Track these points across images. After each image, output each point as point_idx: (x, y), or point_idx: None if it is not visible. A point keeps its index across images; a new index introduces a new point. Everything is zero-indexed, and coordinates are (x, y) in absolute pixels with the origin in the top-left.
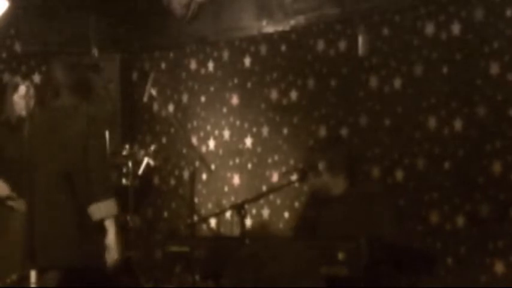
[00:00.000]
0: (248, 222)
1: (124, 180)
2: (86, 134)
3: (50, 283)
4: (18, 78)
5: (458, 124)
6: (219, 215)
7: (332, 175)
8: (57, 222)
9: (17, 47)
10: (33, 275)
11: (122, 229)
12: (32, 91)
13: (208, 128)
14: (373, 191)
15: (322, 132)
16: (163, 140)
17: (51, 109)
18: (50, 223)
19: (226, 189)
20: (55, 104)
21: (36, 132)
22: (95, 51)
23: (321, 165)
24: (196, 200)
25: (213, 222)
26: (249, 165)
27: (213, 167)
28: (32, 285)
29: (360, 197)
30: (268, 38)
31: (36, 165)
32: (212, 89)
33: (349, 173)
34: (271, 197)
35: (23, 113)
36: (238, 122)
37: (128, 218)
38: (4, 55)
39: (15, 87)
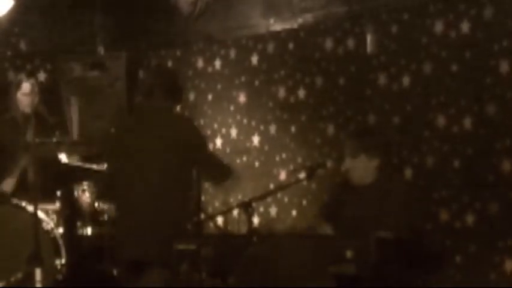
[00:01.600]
0: (255, 220)
1: None
2: None
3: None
4: (22, 76)
5: (467, 122)
6: (226, 213)
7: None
8: None
9: (22, 45)
10: (38, 273)
11: None
12: (36, 88)
13: (216, 126)
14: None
15: (330, 130)
16: None
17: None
18: None
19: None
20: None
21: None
22: (101, 50)
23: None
24: (203, 198)
25: (220, 220)
26: (256, 164)
27: None
28: (37, 284)
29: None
30: (275, 36)
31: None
32: (219, 87)
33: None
34: (279, 195)
35: (28, 110)
36: (245, 120)
37: None
38: (9, 53)
39: (19, 85)
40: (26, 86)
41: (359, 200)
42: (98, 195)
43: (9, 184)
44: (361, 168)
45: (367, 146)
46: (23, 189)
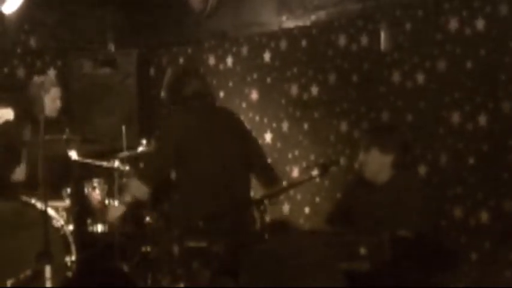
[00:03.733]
0: (268, 217)
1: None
2: None
3: None
4: (48, 78)
5: (482, 119)
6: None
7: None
8: None
9: (32, 42)
10: (47, 270)
11: (140, 225)
12: (59, 93)
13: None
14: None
15: (343, 127)
16: None
17: None
18: None
19: None
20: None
21: None
22: (112, 47)
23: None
24: None
25: None
26: (269, 161)
27: None
28: (47, 281)
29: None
30: (288, 33)
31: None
32: (231, 84)
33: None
34: (291, 192)
35: (54, 114)
36: (257, 118)
37: (145, 213)
38: (19, 50)
39: (46, 87)
40: (55, 91)
41: (374, 197)
42: (143, 176)
43: (20, 173)
44: (374, 163)
45: (380, 141)
46: (33, 186)
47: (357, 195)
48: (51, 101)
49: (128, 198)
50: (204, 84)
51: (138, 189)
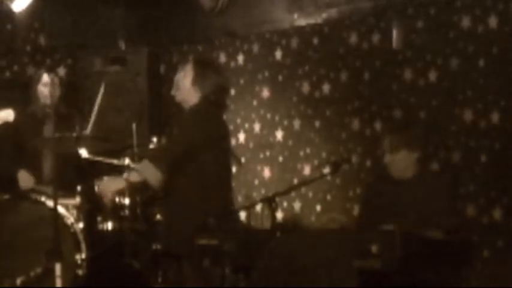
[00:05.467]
0: (279, 215)
1: None
2: None
3: None
4: (42, 70)
5: (494, 117)
6: (249, 208)
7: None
8: None
9: (42, 40)
10: (58, 268)
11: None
12: (56, 80)
13: (239, 121)
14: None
15: (355, 125)
16: None
17: None
18: None
19: (256, 182)
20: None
21: None
22: (122, 44)
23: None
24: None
25: (243, 215)
26: (280, 158)
27: (243, 160)
28: (57, 279)
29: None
30: (299, 31)
31: None
32: (242, 81)
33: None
34: (303, 190)
35: (47, 101)
36: (269, 115)
37: (156, 210)
38: (28, 48)
39: (39, 77)
40: (45, 77)
41: (403, 192)
42: (157, 160)
43: (28, 180)
44: (403, 162)
45: (409, 140)
46: (43, 184)
47: (385, 193)
48: (44, 87)
49: (135, 178)
50: (224, 78)
51: (151, 173)
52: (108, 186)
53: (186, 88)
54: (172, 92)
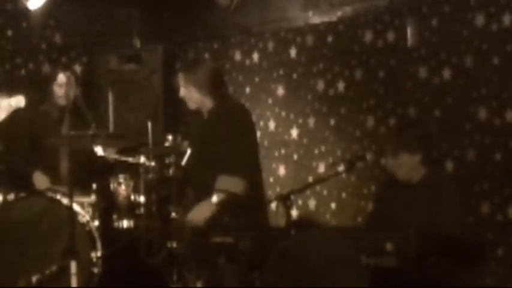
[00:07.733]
0: (294, 213)
1: (167, 171)
2: None
3: None
4: (59, 69)
5: (509, 115)
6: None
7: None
8: None
9: (57, 38)
10: (73, 266)
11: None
12: (73, 79)
13: (253, 119)
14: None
15: (370, 123)
16: None
17: None
18: None
19: (271, 180)
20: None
21: None
22: (137, 42)
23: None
24: None
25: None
26: (295, 156)
27: None
28: (73, 277)
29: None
30: (314, 28)
31: None
32: (257, 79)
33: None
34: (317, 188)
35: (62, 102)
36: (284, 113)
37: (171, 209)
38: (44, 46)
39: (55, 76)
40: (61, 77)
41: (411, 195)
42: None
43: (43, 181)
44: (405, 165)
45: (407, 143)
46: (59, 183)
47: (393, 197)
48: (58, 88)
49: (221, 197)
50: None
51: (234, 185)
52: (200, 215)
53: (199, 98)
54: (189, 106)
